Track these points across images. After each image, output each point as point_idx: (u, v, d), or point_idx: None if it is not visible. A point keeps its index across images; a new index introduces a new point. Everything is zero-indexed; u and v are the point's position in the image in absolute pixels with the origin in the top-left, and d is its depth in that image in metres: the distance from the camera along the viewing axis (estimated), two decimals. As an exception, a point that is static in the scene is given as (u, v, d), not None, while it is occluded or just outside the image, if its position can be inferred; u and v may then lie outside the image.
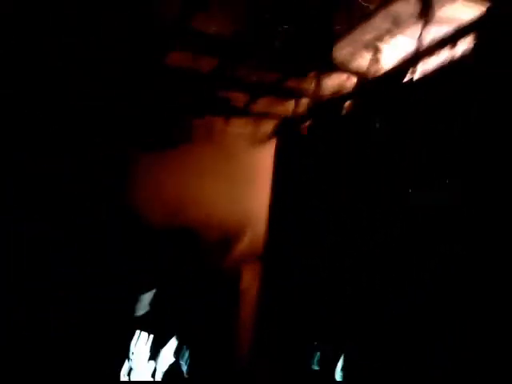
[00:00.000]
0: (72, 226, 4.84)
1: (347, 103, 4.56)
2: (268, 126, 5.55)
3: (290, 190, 5.21)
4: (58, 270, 4.73)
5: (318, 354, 4.39)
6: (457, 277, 3.36)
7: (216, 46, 4.02)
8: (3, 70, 3.55)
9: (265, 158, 5.45)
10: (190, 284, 5.08)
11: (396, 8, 3.68)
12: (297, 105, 5.22)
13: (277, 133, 5.48)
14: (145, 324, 4.88)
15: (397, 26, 3.90)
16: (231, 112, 5.28)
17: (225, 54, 4.15)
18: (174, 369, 4.82)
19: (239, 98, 5.10)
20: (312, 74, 4.59)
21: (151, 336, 4.87)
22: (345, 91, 4.61)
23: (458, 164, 3.50)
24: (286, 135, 5.35)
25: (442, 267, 3.47)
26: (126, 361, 4.75)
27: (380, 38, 4.07)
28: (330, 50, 4.16)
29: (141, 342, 4.84)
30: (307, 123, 5.11)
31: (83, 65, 3.58)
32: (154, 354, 4.83)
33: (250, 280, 5.30)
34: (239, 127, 5.41)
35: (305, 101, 5.14)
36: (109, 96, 4.73)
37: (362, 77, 4.38)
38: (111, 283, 4.83)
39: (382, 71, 4.20)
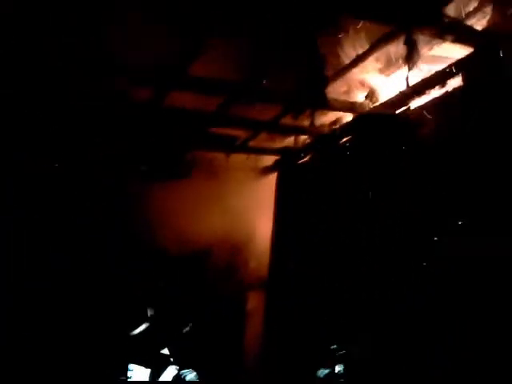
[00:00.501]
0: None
1: (343, 138, 4.78)
2: (268, 160, 5.81)
3: (291, 218, 5.41)
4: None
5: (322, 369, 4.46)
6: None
7: (217, 88, 4.21)
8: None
9: (266, 189, 5.67)
10: (198, 308, 5.25)
11: (387, 49, 3.89)
12: (295, 140, 5.47)
13: (278, 165, 5.71)
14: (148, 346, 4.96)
15: (388, 65, 4.13)
16: (232, 147, 5.49)
17: (225, 94, 4.34)
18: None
19: (239, 135, 5.32)
20: (308, 112, 4.83)
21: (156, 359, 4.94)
22: (340, 127, 4.83)
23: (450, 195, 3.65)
24: (287, 167, 5.59)
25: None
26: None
27: (372, 77, 4.29)
28: (324, 89, 4.33)
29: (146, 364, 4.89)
30: (306, 155, 5.33)
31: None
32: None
33: (255, 303, 5.50)
34: (241, 161, 5.68)
35: (302, 136, 5.39)
36: (118, 134, 4.94)
37: (356, 113, 4.58)
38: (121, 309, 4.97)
39: (375, 108, 4.39)
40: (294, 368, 4.77)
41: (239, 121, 4.93)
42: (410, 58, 3.81)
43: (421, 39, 3.71)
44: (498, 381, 3.12)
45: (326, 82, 4.31)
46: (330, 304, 4.62)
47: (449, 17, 3.47)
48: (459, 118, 3.67)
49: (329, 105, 4.49)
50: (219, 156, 5.62)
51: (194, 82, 4.08)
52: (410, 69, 3.89)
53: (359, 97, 4.60)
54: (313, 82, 4.30)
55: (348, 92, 4.56)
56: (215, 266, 5.35)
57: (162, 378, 4.84)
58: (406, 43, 3.70)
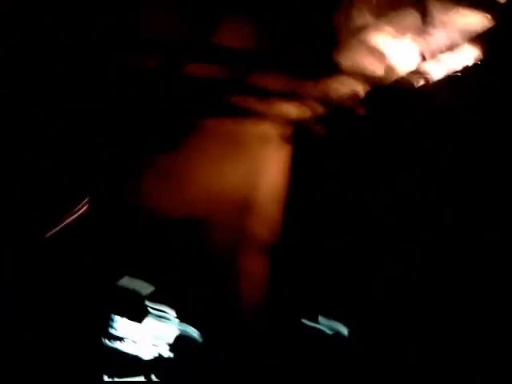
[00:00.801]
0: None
1: (357, 108, 4.68)
2: (280, 127, 5.60)
3: (302, 187, 5.37)
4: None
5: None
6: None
7: (228, 56, 4.16)
8: (3, 69, 3.45)
9: (276, 156, 5.55)
10: (197, 269, 5.14)
11: (400, 15, 3.72)
12: (308, 108, 5.26)
13: (291, 134, 5.56)
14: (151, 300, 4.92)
15: (402, 31, 3.93)
16: (244, 114, 5.35)
17: (236, 62, 4.29)
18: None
19: (250, 102, 5.18)
20: (320, 78, 4.65)
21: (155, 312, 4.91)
22: (354, 96, 4.70)
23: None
24: (300, 137, 5.47)
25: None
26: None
27: (386, 43, 4.10)
28: (337, 55, 4.21)
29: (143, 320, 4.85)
30: (321, 126, 5.22)
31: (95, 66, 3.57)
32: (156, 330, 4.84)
33: (258, 266, 5.38)
34: (252, 128, 5.48)
35: (315, 104, 5.18)
36: (128, 99, 4.83)
37: (371, 81, 4.45)
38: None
39: (390, 76, 4.27)
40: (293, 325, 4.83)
41: (251, 88, 4.86)
42: (426, 26, 3.68)
43: (437, 5, 3.55)
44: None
45: (340, 47, 4.18)
46: (335, 269, 4.70)
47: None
48: (478, 90, 3.60)
49: (342, 71, 4.38)
50: (230, 123, 5.46)
51: (209, 52, 4.10)
52: (425, 37, 3.77)
53: (375, 66, 4.40)
54: (326, 47, 4.19)
55: (361, 59, 4.37)
56: (219, 229, 5.27)
57: (162, 334, 4.84)
58: (420, 9, 3.58)
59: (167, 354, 4.79)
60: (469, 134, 3.62)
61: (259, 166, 5.50)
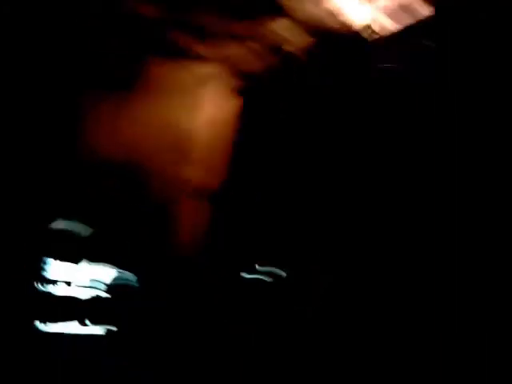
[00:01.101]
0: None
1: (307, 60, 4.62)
2: (218, 68, 5.42)
3: (250, 136, 5.32)
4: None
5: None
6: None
7: None
8: None
9: (219, 99, 5.44)
10: (133, 213, 5.11)
11: None
12: (252, 51, 5.11)
13: (239, 83, 5.42)
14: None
15: None
16: (180, 55, 5.17)
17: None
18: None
19: (187, 42, 5.00)
20: (261, 18, 4.54)
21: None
22: (302, 44, 4.62)
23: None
24: (247, 85, 5.36)
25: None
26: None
27: None
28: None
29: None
30: (269, 75, 5.13)
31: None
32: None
33: (196, 212, 5.38)
34: (194, 70, 5.32)
35: (260, 47, 5.04)
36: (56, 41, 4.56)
37: (320, 32, 4.36)
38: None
39: (341, 28, 4.23)
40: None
41: (192, 28, 4.72)
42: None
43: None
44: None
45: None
46: (276, 216, 4.74)
47: None
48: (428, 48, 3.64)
49: (291, 17, 4.29)
50: (168, 65, 5.31)
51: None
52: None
53: (326, 16, 4.33)
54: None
55: (314, 9, 4.28)
56: (158, 174, 5.22)
57: (98, 278, 4.80)
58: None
59: (103, 297, 4.75)
60: (415, 89, 3.67)
61: (200, 109, 5.37)
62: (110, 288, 4.78)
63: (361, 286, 3.81)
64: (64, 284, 4.65)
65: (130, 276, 4.85)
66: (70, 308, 4.62)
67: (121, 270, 4.85)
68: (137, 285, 4.86)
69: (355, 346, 3.69)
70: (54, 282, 4.61)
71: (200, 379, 4.16)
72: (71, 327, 4.60)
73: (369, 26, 4.01)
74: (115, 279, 4.82)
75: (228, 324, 4.44)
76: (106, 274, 4.82)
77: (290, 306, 3.98)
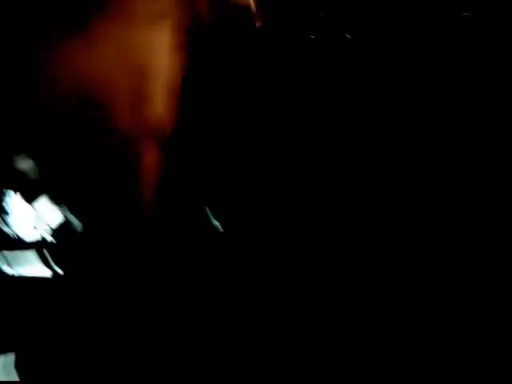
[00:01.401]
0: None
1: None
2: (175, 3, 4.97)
3: (198, 74, 4.99)
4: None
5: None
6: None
7: None
8: None
9: (172, 36, 5.01)
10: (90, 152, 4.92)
11: None
12: None
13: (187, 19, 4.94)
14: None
15: None
16: None
17: None
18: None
19: None
20: None
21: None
22: None
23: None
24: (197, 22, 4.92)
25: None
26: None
27: None
28: None
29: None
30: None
31: None
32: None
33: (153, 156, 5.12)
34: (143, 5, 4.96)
35: None
36: None
37: None
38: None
39: None
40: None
41: None
42: None
43: None
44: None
45: None
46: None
47: None
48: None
49: None
50: None
51: None
52: None
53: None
54: None
55: None
56: (118, 113, 4.96)
57: (44, 218, 4.77)
58: None
59: (48, 238, 4.71)
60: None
61: (159, 45, 5.02)
62: (57, 229, 4.72)
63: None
64: (7, 220, 4.67)
65: (76, 219, 4.74)
66: (12, 244, 4.65)
67: (70, 213, 4.75)
68: (82, 228, 4.75)
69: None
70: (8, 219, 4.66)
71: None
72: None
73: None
74: (64, 220, 4.75)
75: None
76: (54, 214, 4.74)
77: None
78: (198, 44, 4.91)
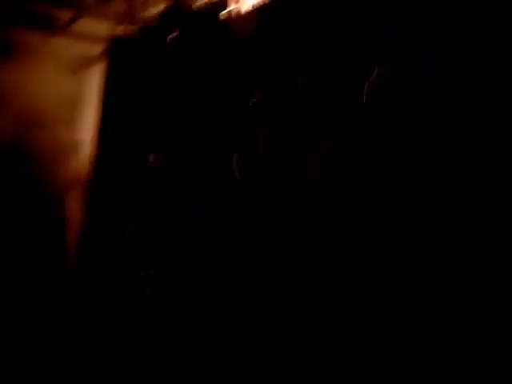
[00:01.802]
0: None
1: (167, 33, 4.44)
2: (95, 47, 5.20)
3: (119, 113, 5.07)
4: None
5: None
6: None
7: None
8: None
9: (93, 81, 5.20)
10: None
11: None
12: (124, 27, 4.97)
13: (106, 54, 5.17)
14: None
15: None
16: (54, 29, 5.00)
17: None
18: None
19: (64, 16, 4.90)
20: None
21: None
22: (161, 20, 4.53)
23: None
24: (116, 57, 5.08)
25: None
26: None
27: None
28: None
29: None
30: (136, 46, 4.87)
31: None
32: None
33: (74, 203, 5.27)
34: (64, 47, 5.12)
35: (124, 21, 4.93)
36: None
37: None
38: None
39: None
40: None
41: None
42: None
43: None
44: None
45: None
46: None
47: None
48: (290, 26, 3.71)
49: None
50: (40, 39, 5.05)
51: None
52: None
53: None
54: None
55: None
56: (34, 160, 5.07)
57: None
58: None
59: None
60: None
61: (75, 90, 5.19)
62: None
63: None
64: None
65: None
66: None
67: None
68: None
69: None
70: None
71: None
72: None
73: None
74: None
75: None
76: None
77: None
78: (122, 90, 4.99)
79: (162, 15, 4.47)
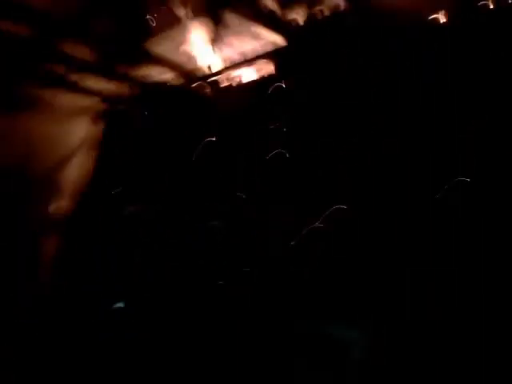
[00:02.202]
0: None
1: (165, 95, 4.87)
2: (96, 103, 5.50)
3: (113, 164, 5.42)
4: None
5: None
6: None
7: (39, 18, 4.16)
8: None
9: (89, 133, 5.52)
10: None
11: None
12: (122, 87, 5.30)
13: (105, 111, 5.51)
14: None
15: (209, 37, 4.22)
16: (59, 85, 5.25)
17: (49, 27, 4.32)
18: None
19: (60, 71, 5.12)
20: (136, 63, 4.85)
21: None
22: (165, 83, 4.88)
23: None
24: (114, 114, 5.46)
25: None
26: None
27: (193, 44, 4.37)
28: (147, 42, 4.47)
29: None
30: (133, 107, 5.31)
31: None
32: None
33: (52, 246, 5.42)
34: (67, 100, 5.37)
35: (129, 85, 5.28)
36: None
37: (182, 73, 4.67)
38: None
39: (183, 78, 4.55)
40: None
41: (60, 56, 4.86)
42: (223, 35, 4.01)
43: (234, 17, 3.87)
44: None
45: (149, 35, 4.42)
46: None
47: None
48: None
49: (153, 59, 4.65)
50: (46, 93, 5.25)
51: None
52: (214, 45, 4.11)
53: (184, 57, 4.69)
54: (136, 33, 4.44)
55: (173, 50, 4.65)
56: (24, 200, 5.15)
57: None
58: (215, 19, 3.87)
59: None
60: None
61: (73, 140, 5.43)
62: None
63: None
64: None
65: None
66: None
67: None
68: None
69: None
70: None
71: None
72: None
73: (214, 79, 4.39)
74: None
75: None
76: None
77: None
78: (114, 139, 5.38)
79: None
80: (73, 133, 5.40)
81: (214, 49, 4.35)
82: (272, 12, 3.88)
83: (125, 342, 4.32)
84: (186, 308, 4.21)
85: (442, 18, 3.57)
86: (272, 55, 3.98)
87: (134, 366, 4.21)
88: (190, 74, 4.62)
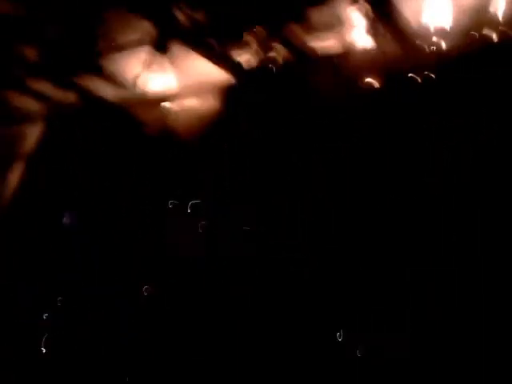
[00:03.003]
0: None
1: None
2: (46, 108, 5.46)
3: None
4: None
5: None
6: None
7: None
8: None
9: (36, 138, 5.51)
10: None
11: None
12: (70, 96, 5.26)
13: (53, 117, 5.47)
14: None
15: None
16: (11, 87, 5.22)
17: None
18: None
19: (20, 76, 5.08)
20: (86, 75, 4.88)
21: None
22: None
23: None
24: (60, 122, 5.44)
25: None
26: None
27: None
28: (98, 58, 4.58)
29: None
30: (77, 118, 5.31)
31: None
32: None
33: None
34: (19, 103, 5.35)
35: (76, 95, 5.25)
36: None
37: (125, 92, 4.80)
38: None
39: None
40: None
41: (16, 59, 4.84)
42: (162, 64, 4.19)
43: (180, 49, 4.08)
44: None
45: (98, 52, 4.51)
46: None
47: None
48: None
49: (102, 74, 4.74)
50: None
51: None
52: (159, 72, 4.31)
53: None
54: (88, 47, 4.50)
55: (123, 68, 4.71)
56: None
57: None
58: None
59: None
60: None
61: (19, 142, 5.44)
62: None
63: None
64: None
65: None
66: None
67: None
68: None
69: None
70: None
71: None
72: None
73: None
74: None
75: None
76: None
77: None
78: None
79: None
80: (22, 137, 5.41)
81: (157, 76, 4.53)
82: (221, 50, 4.10)
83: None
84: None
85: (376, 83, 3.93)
86: (215, 90, 4.21)
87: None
88: (130, 95, 4.81)
